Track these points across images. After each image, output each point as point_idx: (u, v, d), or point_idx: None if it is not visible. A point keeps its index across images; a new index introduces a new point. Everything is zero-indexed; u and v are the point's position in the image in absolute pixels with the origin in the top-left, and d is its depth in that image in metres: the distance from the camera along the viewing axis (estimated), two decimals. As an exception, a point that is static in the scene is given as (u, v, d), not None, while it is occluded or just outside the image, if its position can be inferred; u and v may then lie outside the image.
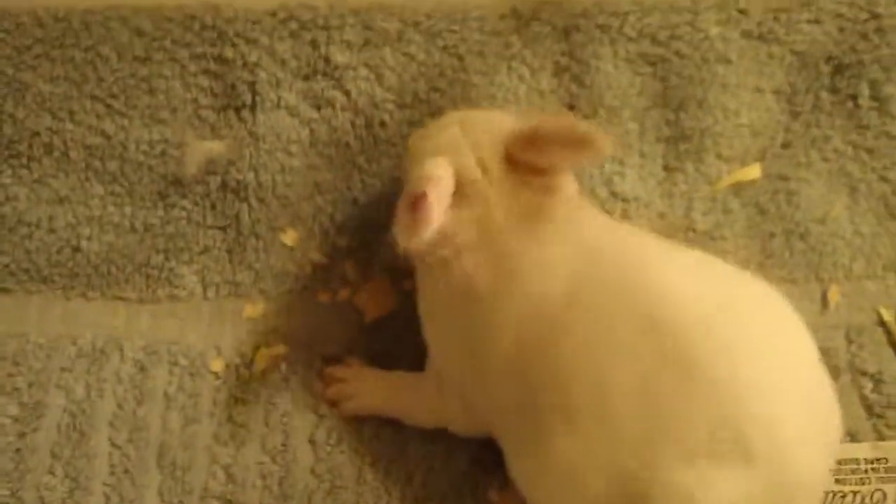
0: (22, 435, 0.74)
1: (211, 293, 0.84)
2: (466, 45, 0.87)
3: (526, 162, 0.68)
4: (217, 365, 0.80)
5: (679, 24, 0.88)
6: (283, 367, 0.81)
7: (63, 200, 0.84)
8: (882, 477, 0.76)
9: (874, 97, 0.88)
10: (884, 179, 0.88)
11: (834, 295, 0.85)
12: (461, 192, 0.68)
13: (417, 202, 0.66)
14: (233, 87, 0.85)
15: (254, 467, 0.75)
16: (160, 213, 0.85)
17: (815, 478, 0.64)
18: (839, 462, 0.76)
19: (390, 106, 0.87)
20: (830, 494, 0.75)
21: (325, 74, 0.86)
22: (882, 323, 0.84)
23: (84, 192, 0.85)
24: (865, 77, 0.88)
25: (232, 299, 0.84)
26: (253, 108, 0.85)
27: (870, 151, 0.88)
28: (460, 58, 0.87)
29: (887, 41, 0.88)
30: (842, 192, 0.88)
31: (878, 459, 0.76)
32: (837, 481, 0.75)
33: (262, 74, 0.85)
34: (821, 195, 0.87)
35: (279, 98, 0.85)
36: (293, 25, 0.85)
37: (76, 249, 0.84)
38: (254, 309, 0.84)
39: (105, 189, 0.85)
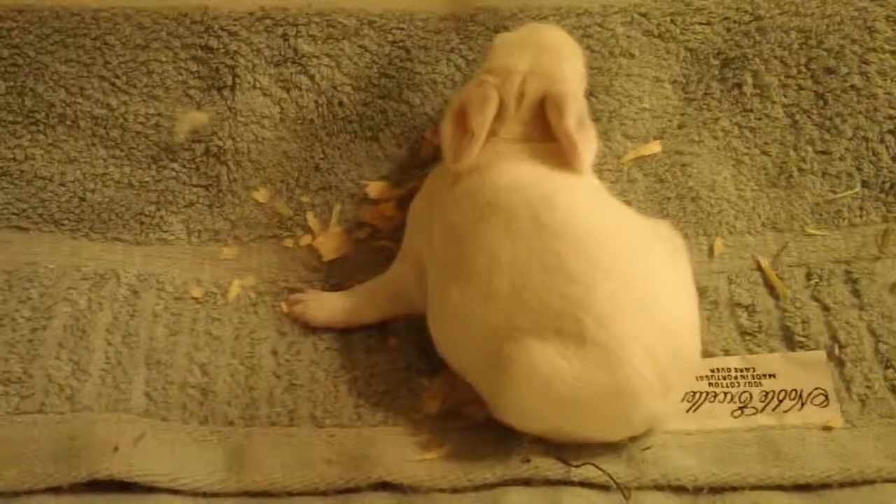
0: (34, 330, 0.89)
1: (194, 238, 1.00)
2: (412, 40, 1.05)
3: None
4: (197, 292, 0.96)
5: (590, 24, 1.06)
6: (253, 295, 0.96)
7: (72, 160, 1.01)
8: (749, 381, 0.91)
9: (756, 85, 1.06)
10: (764, 153, 1.04)
11: (719, 246, 1.01)
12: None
13: (464, 122, 0.85)
14: (216, 70, 1.02)
15: (225, 368, 0.90)
16: (153, 172, 1.02)
17: (645, 377, 0.79)
18: (714, 371, 0.91)
19: (348, 89, 1.04)
20: (704, 394, 0.90)
21: (293, 62, 1.03)
22: (759, 268, 0.99)
23: (90, 154, 1.02)
24: (748, 69, 1.06)
25: (211, 244, 1.00)
26: (233, 88, 1.02)
27: (753, 130, 1.05)
28: (407, 50, 1.05)
29: (767, 38, 1.06)
30: (728, 164, 1.04)
31: (746, 369, 0.92)
32: (711, 384, 0.90)
33: (241, 61, 1.02)
34: (710, 166, 1.04)
35: (255, 80, 1.03)
36: (268, 21, 1.03)
37: (82, 199, 1.01)
38: (229, 251, 1.00)
39: (108, 152, 1.02)
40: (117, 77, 1.02)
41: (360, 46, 1.04)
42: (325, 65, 1.03)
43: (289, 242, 1.00)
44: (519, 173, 0.85)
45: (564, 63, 0.91)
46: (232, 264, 0.98)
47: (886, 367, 0.90)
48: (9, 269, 0.95)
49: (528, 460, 0.82)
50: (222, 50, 1.02)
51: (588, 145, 0.85)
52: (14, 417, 0.82)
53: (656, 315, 0.80)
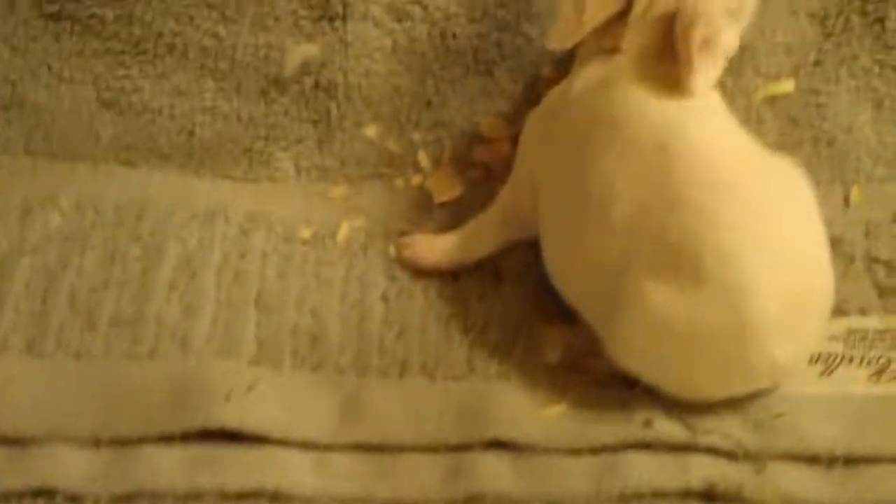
0: (145, 271, 0.88)
1: (303, 176, 0.98)
2: (532, -34, 0.99)
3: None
4: (306, 233, 0.94)
5: (724, -48, 0.98)
6: (363, 237, 0.94)
7: (181, 93, 0.99)
8: (889, 345, 0.85)
9: (900, 20, 0.98)
10: (907, 95, 0.97)
11: (856, 195, 0.95)
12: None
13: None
14: (327, 0, 0.98)
15: (335, 314, 0.88)
16: (262, 107, 0.99)
17: (769, 316, 0.74)
18: (849, 331, 0.86)
19: (462, 20, 0.99)
20: (839, 357, 0.85)
21: (407, -9, 0.98)
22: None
23: (199, 86, 0.99)
24: (893, 2, 0.98)
25: (320, 182, 0.98)
26: (344, 18, 0.98)
27: (895, 69, 0.98)
28: (526, -22, 0.99)
29: (916, -30, 0.98)
30: (867, 106, 0.97)
31: (885, 330, 0.86)
32: (847, 346, 0.85)
33: (354, -10, 0.98)
34: (848, 108, 0.97)
35: (366, 10, 0.98)
36: (383, -54, 0.98)
37: (191, 134, 0.98)
38: (338, 191, 0.97)
39: (216, 85, 0.99)
40: (227, 6, 0.98)
41: (477, -26, 0.98)
42: (439, -6, 0.98)
43: (399, 182, 0.97)
44: (642, 95, 0.80)
45: None
46: (341, 204, 0.96)
47: None
48: (119, 204, 0.93)
49: (650, 423, 0.78)
50: (334, -22, 0.97)
51: (707, 69, 0.78)
52: (125, 361, 0.81)
53: (785, 250, 0.75)
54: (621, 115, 0.79)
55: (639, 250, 0.76)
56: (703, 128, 0.78)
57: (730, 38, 0.81)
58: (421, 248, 0.90)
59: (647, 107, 0.79)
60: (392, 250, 0.92)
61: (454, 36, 0.99)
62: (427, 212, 0.95)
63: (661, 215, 0.75)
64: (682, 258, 0.74)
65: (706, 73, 0.78)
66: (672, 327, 0.74)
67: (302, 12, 0.98)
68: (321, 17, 0.98)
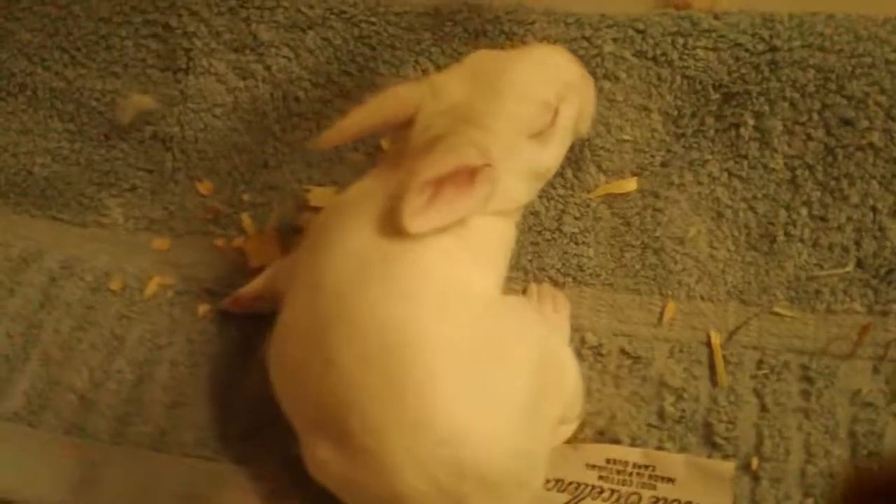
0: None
1: (130, 225, 0.99)
2: (380, 36, 0.97)
3: None
4: (116, 284, 0.95)
5: (577, 37, 0.95)
6: (171, 294, 0.95)
7: (28, 131, 1.02)
8: (644, 482, 0.81)
9: (757, 128, 0.92)
10: (751, 209, 0.91)
11: (670, 311, 0.90)
12: None
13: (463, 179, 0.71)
14: (173, 51, 0.99)
15: (114, 374, 0.89)
16: (102, 151, 1.01)
17: (419, 488, 0.70)
18: (609, 461, 0.83)
19: (305, 84, 0.98)
20: (589, 488, 0.82)
21: (252, 49, 0.98)
22: (708, 344, 0.88)
23: (46, 127, 1.02)
24: (751, 108, 0.92)
25: (145, 233, 0.99)
26: (187, 71, 0.99)
27: (743, 180, 0.92)
28: (373, 48, 0.97)
29: (779, 75, 0.91)
30: (707, 216, 0.92)
31: (645, 466, 0.82)
32: (601, 477, 0.82)
33: (198, 43, 0.98)
34: (685, 216, 0.92)
35: (210, 65, 0.98)
36: (231, 2, 0.98)
37: (30, 173, 1.01)
38: (160, 243, 0.98)
39: (63, 126, 1.02)
40: (78, 50, 1.00)
41: (324, 39, 0.98)
42: (283, 56, 0.98)
43: (220, 241, 0.97)
44: (363, 227, 0.73)
45: (496, 104, 0.77)
46: (159, 257, 0.97)
47: (806, 496, 0.79)
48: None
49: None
50: (180, 30, 0.98)
51: (433, 211, 0.70)
52: None
53: (430, 426, 0.69)
54: (334, 243, 0.73)
55: (302, 400, 0.74)
56: (385, 287, 0.70)
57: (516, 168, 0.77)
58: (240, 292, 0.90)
59: (354, 248, 0.72)
60: (201, 310, 0.92)
61: (297, 99, 0.98)
62: (241, 275, 0.94)
63: (317, 371, 0.71)
64: (333, 419, 0.70)
65: (430, 215, 0.70)
66: (338, 482, 0.73)
67: (150, 61, 0.99)
68: (166, 69, 0.98)
